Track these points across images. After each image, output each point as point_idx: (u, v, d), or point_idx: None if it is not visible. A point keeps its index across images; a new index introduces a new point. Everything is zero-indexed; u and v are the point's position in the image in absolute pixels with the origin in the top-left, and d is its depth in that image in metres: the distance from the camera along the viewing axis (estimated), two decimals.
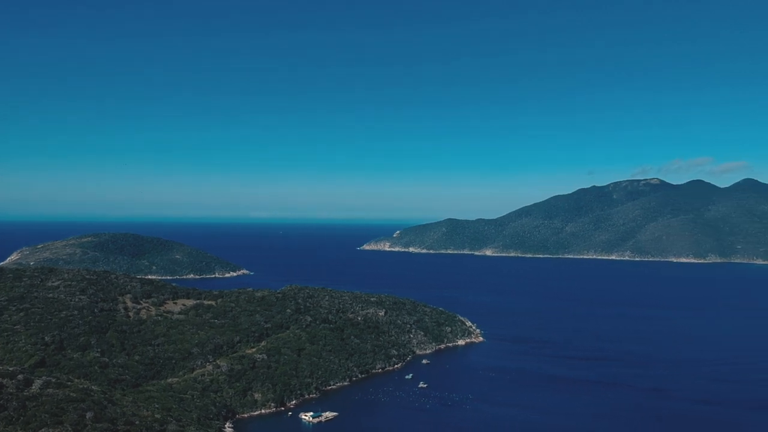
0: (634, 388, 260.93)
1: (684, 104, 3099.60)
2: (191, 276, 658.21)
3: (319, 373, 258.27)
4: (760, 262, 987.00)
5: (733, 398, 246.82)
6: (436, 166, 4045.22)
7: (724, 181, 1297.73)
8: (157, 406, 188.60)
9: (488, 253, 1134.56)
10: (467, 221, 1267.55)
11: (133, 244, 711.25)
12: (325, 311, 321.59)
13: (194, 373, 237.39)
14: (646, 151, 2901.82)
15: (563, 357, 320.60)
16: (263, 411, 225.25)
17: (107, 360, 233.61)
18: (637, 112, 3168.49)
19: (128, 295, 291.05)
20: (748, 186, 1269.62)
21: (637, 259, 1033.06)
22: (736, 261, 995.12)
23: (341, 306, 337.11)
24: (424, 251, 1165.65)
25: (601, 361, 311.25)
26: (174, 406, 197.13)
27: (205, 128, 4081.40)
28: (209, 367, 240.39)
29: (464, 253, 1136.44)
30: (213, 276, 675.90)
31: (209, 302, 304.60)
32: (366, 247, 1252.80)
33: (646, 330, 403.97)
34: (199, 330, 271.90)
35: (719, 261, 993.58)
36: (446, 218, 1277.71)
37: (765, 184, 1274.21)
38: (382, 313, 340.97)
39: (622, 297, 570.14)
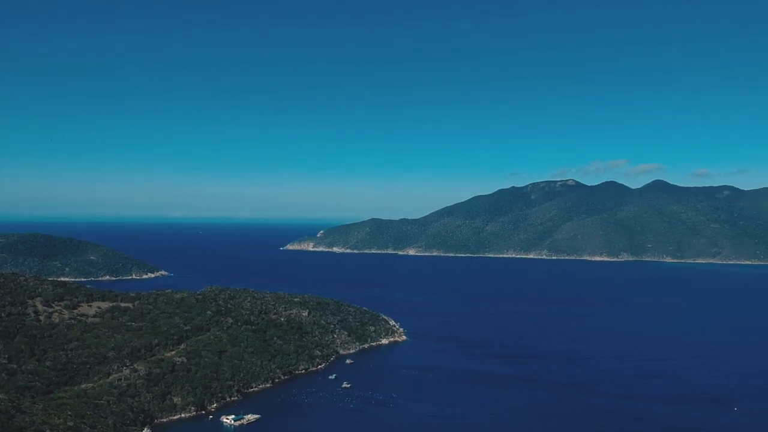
0: (555, 384, 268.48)
1: (602, 107, 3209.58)
2: (107, 278, 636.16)
3: (241, 375, 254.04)
4: (668, 260, 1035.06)
5: (652, 393, 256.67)
6: (360, 166, 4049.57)
7: (637, 183, 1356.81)
8: (69, 413, 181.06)
9: (411, 252, 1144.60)
10: (391, 221, 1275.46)
11: (44, 245, 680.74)
12: (247, 312, 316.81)
13: (110, 378, 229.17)
14: (567, 153, 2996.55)
15: (486, 354, 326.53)
16: (183, 415, 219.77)
17: (15, 366, 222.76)
18: (559, 114, 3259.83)
19: (38, 298, 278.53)
20: (658, 187, 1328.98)
21: (553, 257, 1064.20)
22: (646, 259, 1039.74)
23: (264, 307, 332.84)
24: (348, 251, 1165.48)
25: (522, 358, 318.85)
26: (88, 413, 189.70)
27: (120, 125, 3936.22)
28: (126, 372, 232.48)
29: (388, 253, 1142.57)
30: (130, 277, 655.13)
31: (126, 304, 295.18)
32: (289, 247, 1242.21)
33: (567, 327, 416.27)
34: (116, 333, 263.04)
35: (631, 259, 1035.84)
36: (370, 218, 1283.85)
37: (673, 185, 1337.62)
38: (305, 314, 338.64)
39: (543, 295, 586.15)
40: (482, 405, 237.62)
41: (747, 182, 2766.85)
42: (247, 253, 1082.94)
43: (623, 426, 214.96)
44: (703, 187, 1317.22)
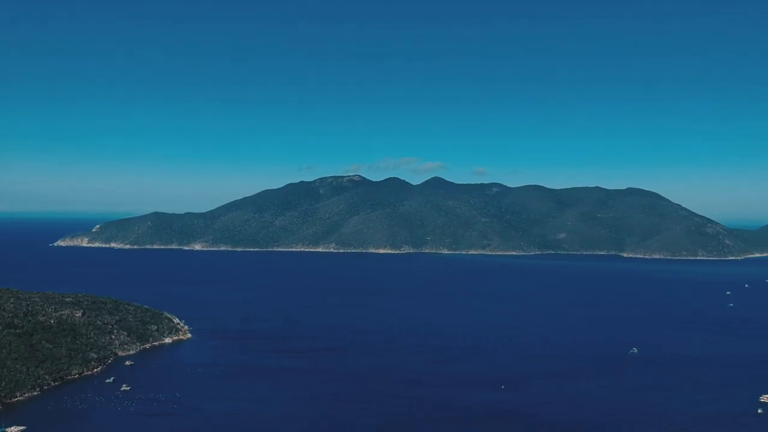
0: (344, 374, 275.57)
1: (394, 105, 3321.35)
2: None
3: (3, 384, 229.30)
4: (445, 251, 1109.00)
5: (437, 377, 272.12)
6: (140, 156, 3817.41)
7: (421, 179, 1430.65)
8: None
9: (197, 247, 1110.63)
10: (175, 215, 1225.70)
11: None
12: (10, 315, 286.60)
13: None
14: (361, 149, 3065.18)
15: (275, 349, 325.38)
16: None
17: None
18: (351, 111, 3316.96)
19: None
20: (436, 183, 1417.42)
21: (341, 250, 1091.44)
22: (426, 251, 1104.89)
23: (30, 308, 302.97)
24: (128, 247, 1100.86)
25: (313, 351, 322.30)
26: None
27: None
28: None
29: (172, 248, 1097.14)
30: None
31: None
32: (61, 243, 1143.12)
33: (358, 318, 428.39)
34: None
35: (412, 251, 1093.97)
36: (152, 212, 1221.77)
37: (449, 182, 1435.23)
38: (79, 314, 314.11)
39: (333, 287, 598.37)
40: (269, 399, 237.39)
41: (514, 180, 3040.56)
42: (10, 250, 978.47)
43: (408, 408, 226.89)
44: (476, 184, 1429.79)
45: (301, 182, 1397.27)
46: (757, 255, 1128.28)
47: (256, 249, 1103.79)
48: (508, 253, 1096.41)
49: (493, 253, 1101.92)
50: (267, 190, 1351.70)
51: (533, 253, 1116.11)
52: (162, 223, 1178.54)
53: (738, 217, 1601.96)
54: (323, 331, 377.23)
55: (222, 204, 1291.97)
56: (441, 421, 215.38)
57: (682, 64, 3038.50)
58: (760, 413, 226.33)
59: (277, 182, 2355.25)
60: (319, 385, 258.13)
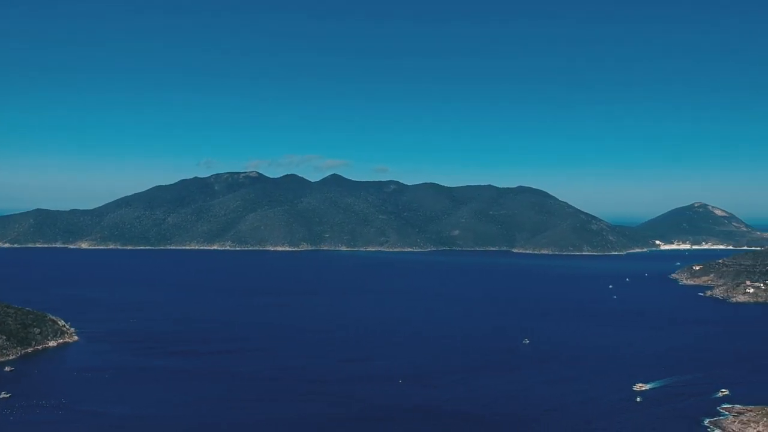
0: (246, 376, 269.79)
1: (298, 101, 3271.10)
2: None
3: None
4: (344, 248, 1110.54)
5: (344, 375, 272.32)
6: (21, 149, 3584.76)
7: (320, 176, 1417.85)
8: None
9: (84, 245, 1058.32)
10: (60, 212, 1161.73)
11: None
12: None
13: None
14: (263, 145, 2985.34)
15: (169, 352, 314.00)
16: None
17: None
18: (251, 106, 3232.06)
19: None
20: (334, 181, 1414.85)
21: (238, 248, 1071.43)
22: (324, 248, 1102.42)
23: None
24: (8, 245, 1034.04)
25: (211, 354, 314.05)
26: None
27: None
28: None
29: (57, 247, 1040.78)
30: None
31: None
32: None
33: (260, 317, 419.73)
34: None
35: (311, 249, 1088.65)
36: (34, 208, 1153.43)
37: (348, 179, 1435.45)
38: None
39: (231, 286, 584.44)
40: (159, 400, 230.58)
41: (412, 178, 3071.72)
42: None
43: (319, 408, 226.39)
44: (374, 182, 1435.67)
45: (195, 178, 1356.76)
46: (637, 250, 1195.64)
47: (147, 247, 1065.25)
48: (405, 250, 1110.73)
49: (391, 249, 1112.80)
50: (159, 186, 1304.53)
51: (429, 249, 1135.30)
52: (45, 220, 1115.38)
53: (620, 214, 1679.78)
54: (222, 331, 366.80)
55: (110, 200, 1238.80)
56: (346, 420, 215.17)
57: (567, 69, 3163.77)
58: (639, 401, 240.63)
59: (169, 178, 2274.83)
60: (218, 386, 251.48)
